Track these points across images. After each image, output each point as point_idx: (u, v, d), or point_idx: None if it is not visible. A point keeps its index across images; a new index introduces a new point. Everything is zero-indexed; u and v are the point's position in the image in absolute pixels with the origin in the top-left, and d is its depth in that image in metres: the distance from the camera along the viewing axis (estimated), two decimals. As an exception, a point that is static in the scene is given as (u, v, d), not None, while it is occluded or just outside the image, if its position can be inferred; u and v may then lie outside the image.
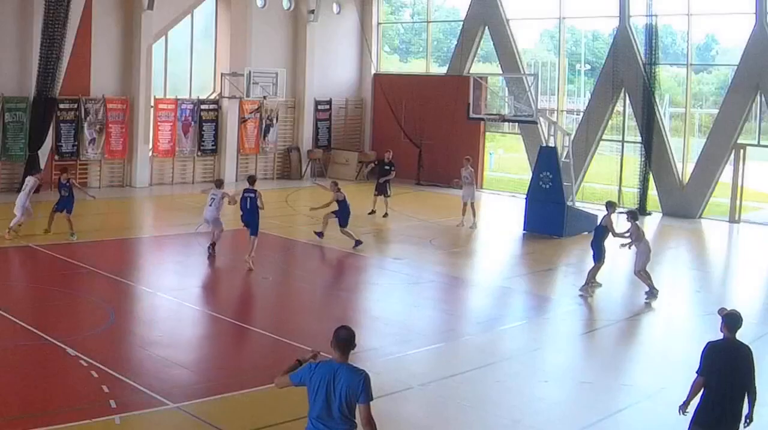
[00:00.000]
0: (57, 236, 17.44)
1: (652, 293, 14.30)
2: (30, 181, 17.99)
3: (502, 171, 32.92)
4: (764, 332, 13.13)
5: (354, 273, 16.55)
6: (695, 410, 7.17)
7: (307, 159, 29.86)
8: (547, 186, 20.23)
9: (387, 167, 22.58)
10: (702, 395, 7.07)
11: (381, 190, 22.14)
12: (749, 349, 7.20)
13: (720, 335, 7.27)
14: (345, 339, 6.10)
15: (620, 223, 23.49)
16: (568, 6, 26.75)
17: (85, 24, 24.23)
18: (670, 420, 7.93)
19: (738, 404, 6.97)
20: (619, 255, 19.67)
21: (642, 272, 14.61)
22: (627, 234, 14.76)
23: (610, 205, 15.25)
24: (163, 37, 26.62)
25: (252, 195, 15.70)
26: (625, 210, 15.64)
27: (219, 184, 16.87)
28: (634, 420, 9.18)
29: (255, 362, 10.84)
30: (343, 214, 17.73)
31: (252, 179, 16.32)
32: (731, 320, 7.10)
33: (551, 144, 21.06)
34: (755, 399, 7.07)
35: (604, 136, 26.34)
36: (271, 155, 29.30)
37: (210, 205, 16.18)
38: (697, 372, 7.10)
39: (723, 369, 6.96)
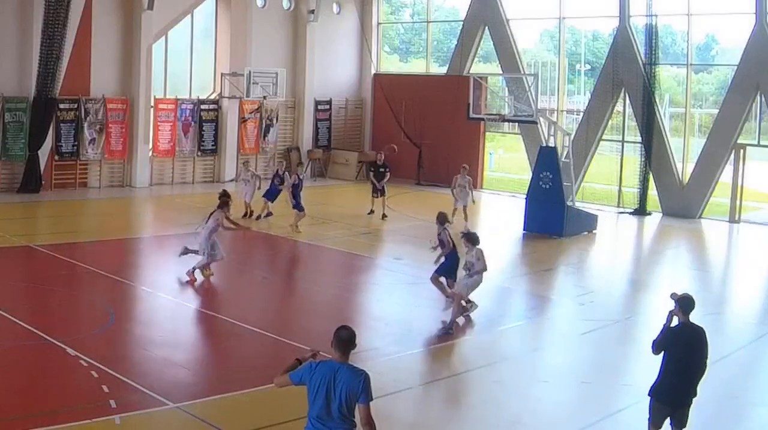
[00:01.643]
0: (57, 235, 17.43)
1: (449, 328, 12.27)
2: (214, 217, 14.45)
3: (502, 171, 32.92)
4: (764, 332, 13.14)
5: (354, 273, 16.54)
6: (654, 386, 7.64)
7: (307, 159, 29.86)
8: (547, 186, 20.22)
9: (382, 170, 22.10)
10: (662, 373, 7.59)
11: (378, 191, 21.96)
12: (703, 330, 7.63)
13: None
14: (345, 339, 6.10)
15: (621, 223, 23.63)
16: (568, 6, 26.75)
17: (85, 24, 24.23)
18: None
19: (695, 382, 7.56)
20: (617, 259, 19.72)
21: (464, 298, 12.68)
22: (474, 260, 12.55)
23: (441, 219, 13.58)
24: (163, 37, 26.62)
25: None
26: (464, 231, 13.39)
27: (246, 164, 21.74)
28: (634, 420, 9.16)
29: (255, 362, 10.84)
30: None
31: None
32: (685, 303, 7.55)
33: (551, 144, 21.05)
34: (702, 376, 7.64)
35: (604, 136, 26.34)
36: (271, 155, 29.28)
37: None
38: (653, 351, 7.60)
39: (681, 352, 7.47)
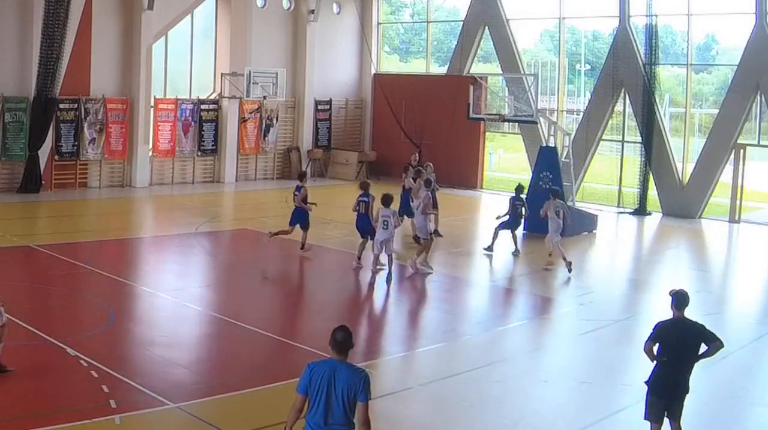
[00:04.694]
0: (57, 235, 17.41)
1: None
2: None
3: (502, 171, 32.90)
4: (764, 332, 13.15)
5: (354, 273, 16.52)
6: (650, 380, 7.77)
7: (307, 159, 29.87)
8: (547, 186, 20.21)
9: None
10: (655, 367, 7.75)
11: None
12: (698, 325, 7.75)
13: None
14: (341, 340, 6.10)
15: (621, 223, 23.64)
16: (568, 6, 26.76)
17: (85, 24, 24.23)
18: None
19: (687, 375, 7.73)
20: (617, 259, 19.71)
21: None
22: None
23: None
24: (163, 37, 26.62)
25: (366, 199, 15.90)
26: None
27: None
28: (634, 420, 9.16)
29: (255, 362, 10.84)
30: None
31: (366, 185, 16.46)
32: (679, 299, 7.71)
33: (551, 144, 21.07)
34: (716, 350, 7.72)
35: (604, 136, 26.35)
36: (271, 155, 29.31)
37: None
38: (646, 342, 7.75)
39: (673, 345, 7.64)
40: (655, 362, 7.75)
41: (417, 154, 23.08)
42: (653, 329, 7.78)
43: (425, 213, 16.41)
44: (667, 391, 7.74)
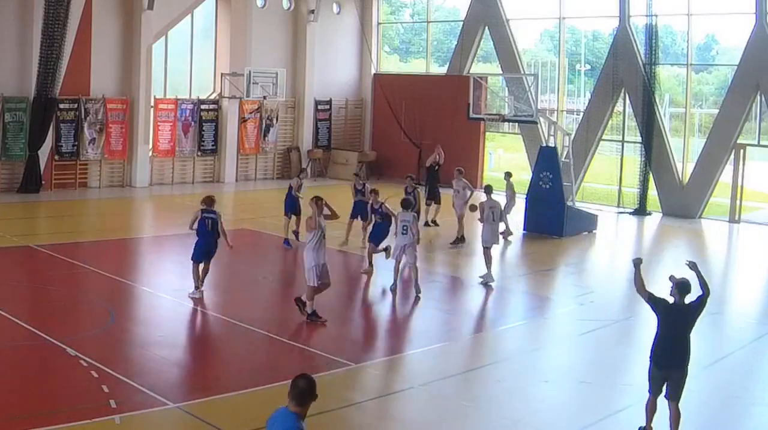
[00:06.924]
0: (57, 235, 17.38)
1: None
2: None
3: (502, 171, 32.82)
4: (764, 332, 13.15)
5: (354, 273, 16.53)
6: (652, 352, 8.35)
7: (307, 159, 29.86)
8: (547, 186, 20.23)
9: (437, 169, 21.45)
10: (657, 340, 8.36)
11: (434, 196, 21.15)
12: (693, 307, 8.44)
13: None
14: (299, 389, 5.61)
15: (621, 223, 23.63)
16: (568, 6, 26.76)
17: (85, 24, 24.24)
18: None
19: (686, 347, 8.33)
20: (617, 259, 19.71)
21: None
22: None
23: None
24: (163, 37, 26.62)
25: (213, 216, 13.48)
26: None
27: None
28: (634, 420, 9.17)
29: (255, 362, 10.84)
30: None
31: (210, 200, 13.65)
32: (680, 288, 8.33)
33: (551, 144, 21.06)
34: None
35: (604, 136, 26.35)
36: (271, 155, 29.31)
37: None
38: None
39: (672, 325, 8.31)
40: (655, 334, 8.36)
41: (441, 154, 22.11)
42: (655, 306, 8.32)
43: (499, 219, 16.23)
44: (667, 362, 8.22)
